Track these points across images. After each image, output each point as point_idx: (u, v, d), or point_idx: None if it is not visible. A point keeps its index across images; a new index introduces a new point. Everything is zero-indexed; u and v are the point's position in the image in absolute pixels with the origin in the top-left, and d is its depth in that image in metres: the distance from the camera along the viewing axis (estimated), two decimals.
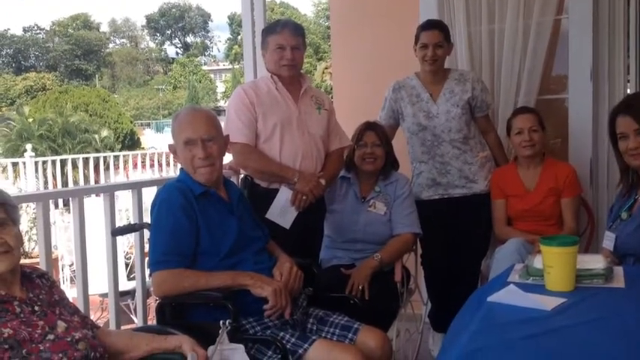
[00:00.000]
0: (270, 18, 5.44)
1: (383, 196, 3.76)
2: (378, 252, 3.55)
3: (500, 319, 2.07)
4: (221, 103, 57.36)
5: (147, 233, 3.18)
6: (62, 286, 3.80)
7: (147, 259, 2.86)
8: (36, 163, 10.27)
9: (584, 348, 1.79)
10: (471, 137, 4.11)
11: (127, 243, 6.22)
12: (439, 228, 4.07)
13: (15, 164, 11.16)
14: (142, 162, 12.02)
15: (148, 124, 48.93)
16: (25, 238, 6.97)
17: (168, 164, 11.80)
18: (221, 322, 2.31)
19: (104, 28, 78.90)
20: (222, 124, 3.16)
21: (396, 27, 4.95)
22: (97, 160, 11.13)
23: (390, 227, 3.71)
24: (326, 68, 37.37)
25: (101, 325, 2.48)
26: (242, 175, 3.79)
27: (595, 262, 2.45)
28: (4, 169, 11.60)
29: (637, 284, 2.38)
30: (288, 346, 2.51)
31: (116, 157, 11.42)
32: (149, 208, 2.89)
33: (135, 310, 4.71)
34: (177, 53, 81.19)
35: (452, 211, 4.12)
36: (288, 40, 3.59)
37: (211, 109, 4.44)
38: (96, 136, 20.16)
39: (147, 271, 3.27)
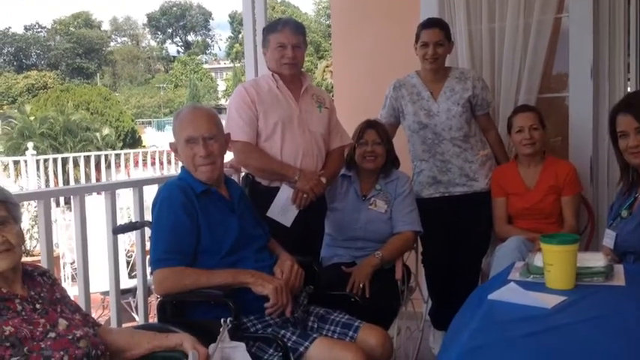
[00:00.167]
0: (271, 16, 5.45)
1: (384, 194, 3.76)
2: (379, 250, 3.55)
3: (500, 317, 2.07)
4: (222, 102, 57.39)
5: (148, 231, 3.19)
6: (63, 284, 3.81)
7: (148, 257, 2.87)
8: (37, 161, 10.28)
9: (584, 346, 1.80)
10: (472, 135, 4.11)
11: (128, 241, 6.23)
12: (440, 226, 4.08)
13: (16, 162, 11.19)
14: (143, 160, 12.02)
15: (149, 123, 48.95)
16: (27, 236, 6.98)
17: (169, 162, 11.80)
18: (222, 320, 2.31)
19: (105, 26, 79.07)
20: (223, 122, 3.16)
21: (396, 25, 4.95)
22: (98, 159, 11.14)
23: (391, 225, 3.71)
24: (327, 67, 37.38)
25: (102, 323, 2.49)
26: (243, 174, 3.79)
27: (595, 260, 2.45)
28: (6, 167, 11.63)
29: (637, 282, 2.39)
30: (289, 344, 2.52)
31: (117, 156, 11.44)
32: (150, 206, 2.90)
33: (136, 308, 4.71)
34: (178, 51, 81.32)
35: (452, 209, 4.13)
36: (289, 38, 3.59)
37: (212, 107, 4.45)
38: (97, 134, 20.21)
39: (148, 269, 3.28)
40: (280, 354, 2.49)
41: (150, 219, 2.93)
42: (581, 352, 1.76)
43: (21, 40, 70.82)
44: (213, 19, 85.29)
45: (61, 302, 2.24)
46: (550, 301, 2.13)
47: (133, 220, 3.59)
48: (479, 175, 4.09)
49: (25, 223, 6.82)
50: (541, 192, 3.88)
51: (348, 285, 3.35)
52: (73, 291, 4.07)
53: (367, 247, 3.67)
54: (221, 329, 2.28)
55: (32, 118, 19.96)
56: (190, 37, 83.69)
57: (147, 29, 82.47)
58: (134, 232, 3.63)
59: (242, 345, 2.31)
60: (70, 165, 10.40)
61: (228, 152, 3.13)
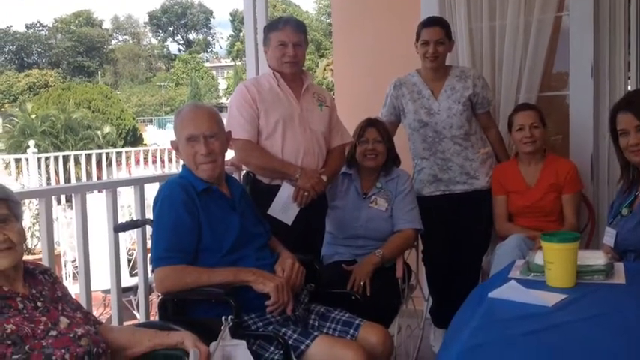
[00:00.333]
0: (272, 15, 5.46)
1: (384, 192, 3.76)
2: (380, 248, 3.56)
3: (501, 315, 2.07)
4: (223, 100, 57.40)
5: (149, 229, 3.19)
6: (65, 282, 3.82)
7: (149, 255, 2.87)
8: (39, 159, 10.28)
9: (584, 344, 1.80)
10: (472, 134, 4.12)
11: (129, 239, 6.23)
12: (440, 224, 4.08)
13: (18, 160, 11.21)
14: (145, 158, 12.02)
15: (150, 121, 48.96)
16: (28, 234, 6.98)
17: (170, 161, 11.81)
18: (223, 317, 2.31)
19: (107, 24, 78.97)
20: (224, 120, 3.16)
21: (397, 23, 4.96)
22: (99, 157, 11.14)
23: (392, 223, 3.71)
24: (327, 65, 37.37)
25: (104, 321, 2.49)
26: (244, 172, 3.79)
27: (596, 258, 2.44)
28: (7, 165, 11.62)
29: (637, 280, 2.39)
30: (289, 342, 2.52)
31: (118, 154, 11.45)
32: (151, 204, 2.90)
33: (137, 306, 4.72)
34: (179, 50, 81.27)
35: (453, 207, 4.13)
36: (289, 37, 3.59)
37: (213, 105, 4.46)
38: (98, 132, 20.23)
39: (149, 267, 3.29)
40: (281, 352, 2.50)
41: (151, 217, 2.93)
42: (582, 350, 1.76)
43: (22, 39, 70.78)
44: (214, 18, 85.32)
45: (63, 300, 2.24)
46: (550, 299, 2.13)
47: (134, 219, 3.59)
48: (479, 174, 4.10)
49: (27, 221, 6.83)
50: (541, 190, 3.88)
51: (349, 283, 3.36)
52: (74, 289, 4.09)
53: (368, 245, 3.68)
54: (222, 327, 2.28)
55: (34, 116, 19.99)
56: (191, 36, 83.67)
57: (148, 27, 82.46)
58: (135, 230, 3.63)
59: (243, 343, 2.31)
60: (72, 163, 10.43)
61: (229, 150, 3.13)
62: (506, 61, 4.47)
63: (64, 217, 6.67)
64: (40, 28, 74.33)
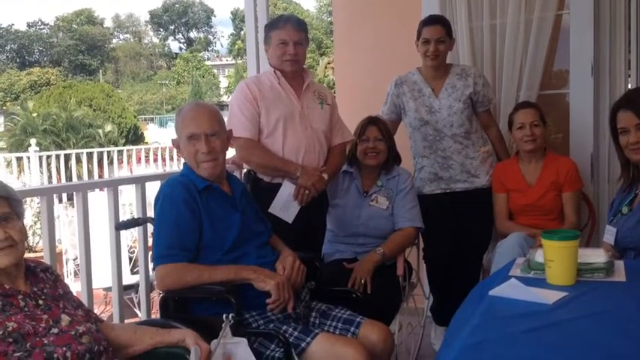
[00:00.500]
0: (272, 13, 5.44)
1: (385, 190, 3.76)
2: (381, 246, 3.56)
3: (501, 313, 2.07)
4: (224, 98, 57.41)
5: (150, 227, 3.20)
6: (66, 280, 3.82)
7: (150, 253, 2.88)
8: (40, 157, 10.30)
9: (585, 341, 1.80)
10: (473, 132, 4.12)
11: (130, 237, 6.24)
12: (441, 222, 4.08)
13: (19, 159, 11.22)
14: (146, 157, 12.02)
15: (152, 119, 48.93)
16: (29, 233, 6.99)
17: (171, 159, 11.82)
18: (224, 315, 2.32)
19: (108, 23, 78.94)
20: (226, 118, 3.17)
21: (398, 22, 4.96)
22: (100, 155, 11.16)
23: (392, 221, 3.72)
24: (328, 63, 37.26)
25: (105, 319, 2.50)
26: (245, 170, 3.80)
27: (596, 256, 2.45)
28: (9, 163, 11.64)
29: (638, 278, 2.39)
30: (290, 340, 2.53)
31: (120, 152, 11.44)
32: (152, 202, 2.91)
33: (138, 303, 4.73)
34: (180, 48, 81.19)
35: (453, 205, 4.13)
36: (290, 35, 3.59)
37: (214, 104, 4.46)
38: (100, 130, 20.23)
39: (150, 265, 3.29)
40: (282, 350, 2.50)
41: (152, 215, 2.94)
42: (582, 347, 1.76)
43: (24, 37, 70.76)
44: (215, 16, 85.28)
45: (64, 298, 2.24)
46: (551, 296, 2.14)
47: (136, 217, 3.60)
48: (480, 172, 4.10)
49: (28, 219, 6.84)
50: (542, 188, 3.89)
51: (350, 281, 3.36)
52: (75, 287, 4.09)
53: (369, 244, 3.68)
54: (223, 325, 2.29)
55: (35, 114, 19.99)
56: (192, 34, 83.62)
57: (149, 26, 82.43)
58: (136, 228, 3.64)
59: (244, 341, 2.32)
60: (73, 161, 10.43)
61: (230, 149, 3.14)
62: (507, 59, 4.48)
63: (66, 216, 6.69)
64: (42, 27, 74.40)
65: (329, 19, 51.77)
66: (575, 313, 2.02)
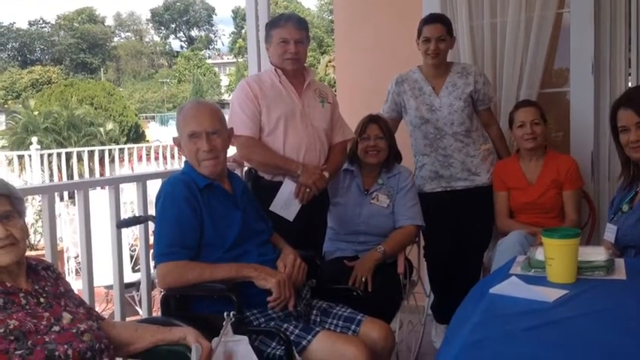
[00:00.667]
0: (273, 12, 5.46)
1: (386, 188, 3.77)
2: (381, 244, 3.56)
3: (502, 311, 2.07)
4: (225, 97, 57.35)
5: (152, 225, 3.20)
6: (67, 278, 3.83)
7: (152, 251, 2.88)
8: (41, 155, 10.29)
9: (585, 339, 1.80)
10: (474, 130, 4.12)
11: (131, 235, 6.24)
12: (442, 220, 4.08)
13: (21, 157, 11.21)
14: (147, 155, 12.02)
15: (153, 117, 48.87)
16: (31, 231, 6.99)
17: (172, 157, 11.80)
18: (225, 313, 2.32)
19: (109, 21, 78.87)
20: (227, 117, 3.17)
21: (398, 20, 4.96)
22: (102, 153, 11.15)
23: (393, 219, 3.72)
24: (329, 62, 37.25)
25: (106, 317, 2.50)
26: (246, 168, 3.81)
27: (596, 254, 2.45)
28: (10, 161, 11.64)
29: (638, 276, 2.39)
30: (291, 338, 2.53)
31: (121, 150, 11.42)
32: (154, 200, 2.91)
33: (140, 301, 4.73)
34: (181, 47, 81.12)
35: (454, 203, 4.13)
36: (291, 33, 3.59)
37: (215, 102, 4.46)
38: (101, 129, 20.25)
39: (152, 263, 3.30)
40: (283, 347, 2.50)
41: (153, 213, 2.94)
42: (582, 345, 1.76)
43: (25, 36, 70.74)
44: (216, 15, 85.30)
45: (65, 296, 2.25)
46: (551, 294, 2.14)
47: (137, 215, 3.60)
48: (481, 170, 4.10)
49: (30, 217, 6.83)
50: (542, 186, 3.89)
51: (351, 279, 3.36)
52: (76, 285, 4.10)
53: (369, 242, 3.68)
54: (224, 323, 2.29)
55: (36, 112, 20.01)
56: (194, 33, 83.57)
57: (150, 24, 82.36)
58: (138, 226, 3.64)
59: (245, 339, 2.32)
60: (74, 159, 10.43)
61: (231, 147, 3.14)
62: (507, 57, 4.48)
63: (67, 214, 6.68)
64: (43, 25, 74.39)
65: (330, 17, 51.74)
66: (576, 311, 2.02)
